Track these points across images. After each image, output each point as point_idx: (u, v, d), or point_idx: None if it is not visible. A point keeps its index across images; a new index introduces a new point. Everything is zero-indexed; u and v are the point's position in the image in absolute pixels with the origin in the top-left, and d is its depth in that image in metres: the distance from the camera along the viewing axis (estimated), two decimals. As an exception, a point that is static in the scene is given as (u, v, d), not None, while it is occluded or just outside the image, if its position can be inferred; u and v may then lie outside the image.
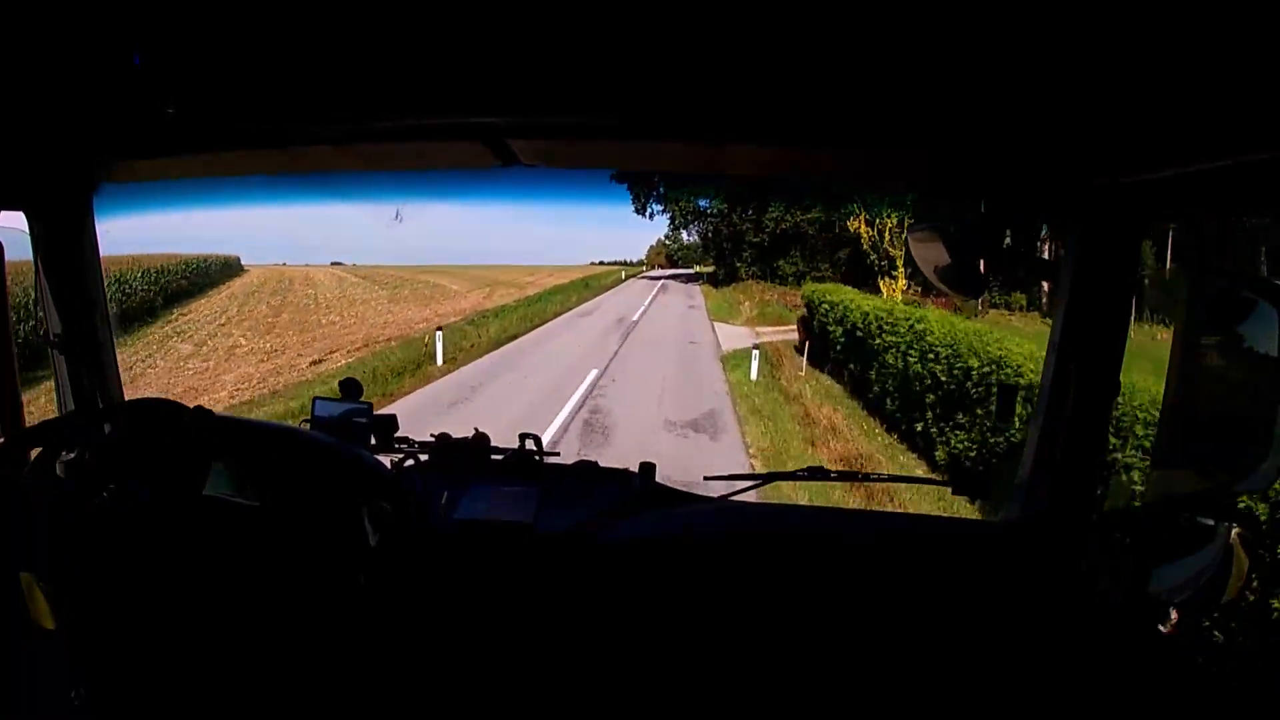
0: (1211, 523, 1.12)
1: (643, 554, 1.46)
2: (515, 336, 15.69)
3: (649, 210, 27.36)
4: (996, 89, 0.91)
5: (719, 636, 1.44)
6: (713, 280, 29.36)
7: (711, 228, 28.56)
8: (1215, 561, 1.11)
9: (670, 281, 34.24)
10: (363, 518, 1.40)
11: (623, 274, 38.10)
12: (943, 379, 7.19)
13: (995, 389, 6.15)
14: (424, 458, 1.75)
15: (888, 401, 8.71)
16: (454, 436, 1.81)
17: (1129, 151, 1.02)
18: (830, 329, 11.33)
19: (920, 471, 7.17)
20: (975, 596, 1.40)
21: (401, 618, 1.46)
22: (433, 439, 1.80)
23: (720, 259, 28.50)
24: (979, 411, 6.48)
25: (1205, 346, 1.20)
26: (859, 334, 9.88)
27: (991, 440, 6.19)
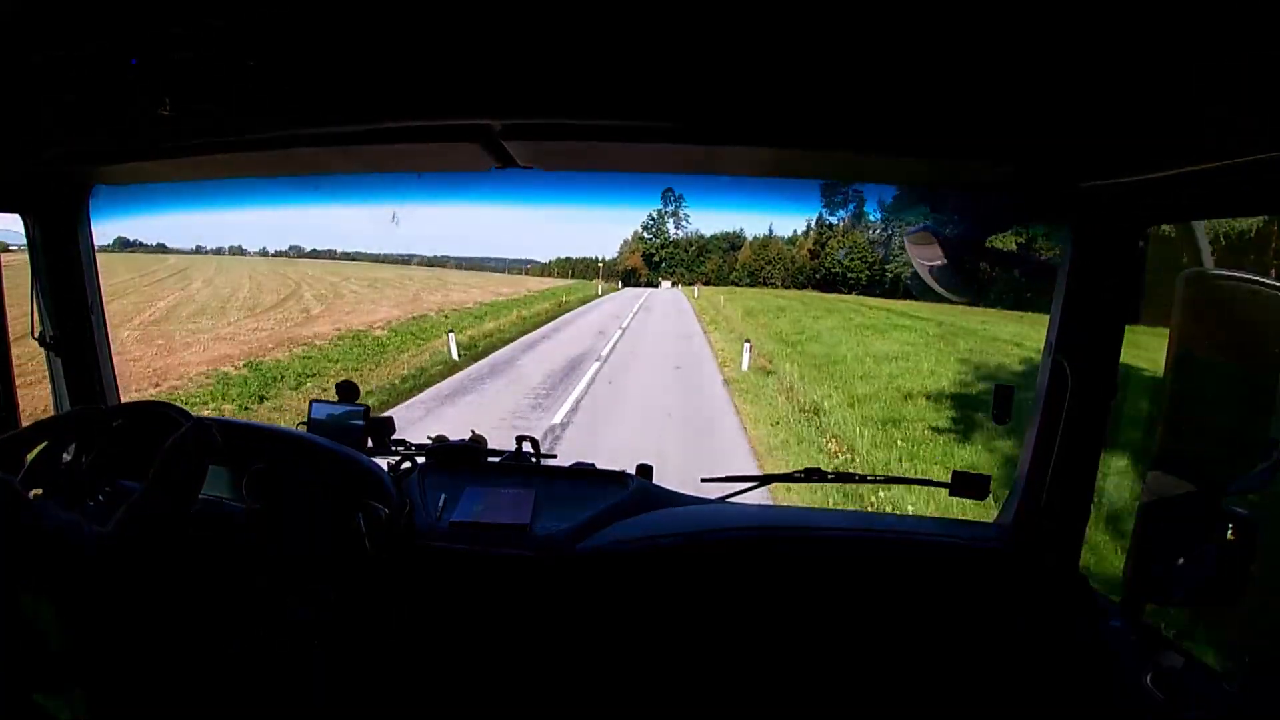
0: (1210, 523, 1.12)
1: (640, 556, 1.45)
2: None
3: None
4: (995, 89, 0.91)
5: (716, 639, 1.43)
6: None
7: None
8: (1214, 562, 1.11)
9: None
10: (359, 521, 1.39)
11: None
12: None
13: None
14: (421, 460, 1.75)
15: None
16: (451, 439, 1.80)
17: (1126, 152, 1.02)
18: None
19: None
20: (974, 598, 1.40)
21: (398, 620, 1.46)
22: (430, 441, 1.79)
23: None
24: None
25: (1202, 347, 1.20)
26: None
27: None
